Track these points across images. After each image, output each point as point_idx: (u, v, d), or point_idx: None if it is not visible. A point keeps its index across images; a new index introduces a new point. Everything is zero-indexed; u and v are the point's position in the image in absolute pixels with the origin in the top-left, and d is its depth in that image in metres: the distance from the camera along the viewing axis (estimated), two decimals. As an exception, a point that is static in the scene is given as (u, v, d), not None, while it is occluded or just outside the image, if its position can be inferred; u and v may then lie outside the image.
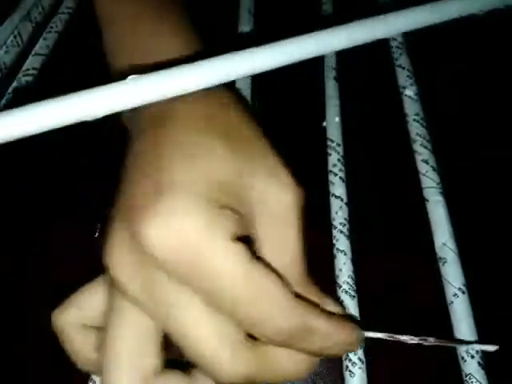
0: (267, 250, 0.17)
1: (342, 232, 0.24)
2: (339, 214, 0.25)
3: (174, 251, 0.15)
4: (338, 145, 0.27)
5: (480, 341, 0.21)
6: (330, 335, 0.16)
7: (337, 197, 0.25)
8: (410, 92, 0.29)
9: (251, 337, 0.16)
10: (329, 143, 0.27)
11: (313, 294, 0.17)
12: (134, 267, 0.16)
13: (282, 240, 0.17)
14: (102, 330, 0.17)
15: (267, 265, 0.16)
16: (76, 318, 0.18)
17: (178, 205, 0.15)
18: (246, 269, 0.15)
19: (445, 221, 0.25)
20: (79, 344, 0.18)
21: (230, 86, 0.20)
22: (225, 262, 0.15)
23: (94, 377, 0.20)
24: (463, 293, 0.22)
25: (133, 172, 0.17)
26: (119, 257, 0.16)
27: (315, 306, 0.17)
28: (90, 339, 0.18)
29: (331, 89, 0.29)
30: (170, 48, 0.22)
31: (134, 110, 0.17)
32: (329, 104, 0.29)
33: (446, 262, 0.23)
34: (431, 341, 0.19)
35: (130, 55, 0.22)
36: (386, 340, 0.18)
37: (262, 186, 0.17)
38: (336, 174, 0.26)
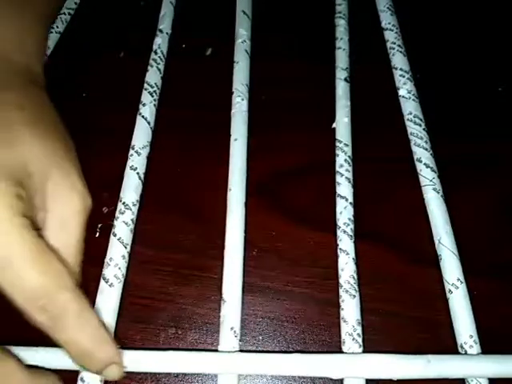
0: (51, 239, 0.19)
1: (345, 232, 0.24)
2: (343, 214, 0.25)
3: None
4: (346, 145, 0.27)
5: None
6: (82, 323, 0.18)
7: (342, 197, 0.25)
8: (403, 92, 0.30)
9: None
10: (337, 144, 0.27)
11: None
12: None
13: (66, 237, 0.20)
14: None
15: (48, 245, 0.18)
16: None
17: None
18: (29, 237, 0.17)
19: (438, 218, 0.25)
20: None
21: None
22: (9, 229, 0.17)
23: (83, 374, 0.21)
24: (456, 288, 0.23)
25: None
26: None
27: None
28: None
29: (342, 89, 0.29)
30: None
31: None
32: (339, 105, 0.29)
33: (441, 258, 0.24)
34: None
35: None
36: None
37: (55, 186, 0.20)
38: (342, 175, 0.26)
